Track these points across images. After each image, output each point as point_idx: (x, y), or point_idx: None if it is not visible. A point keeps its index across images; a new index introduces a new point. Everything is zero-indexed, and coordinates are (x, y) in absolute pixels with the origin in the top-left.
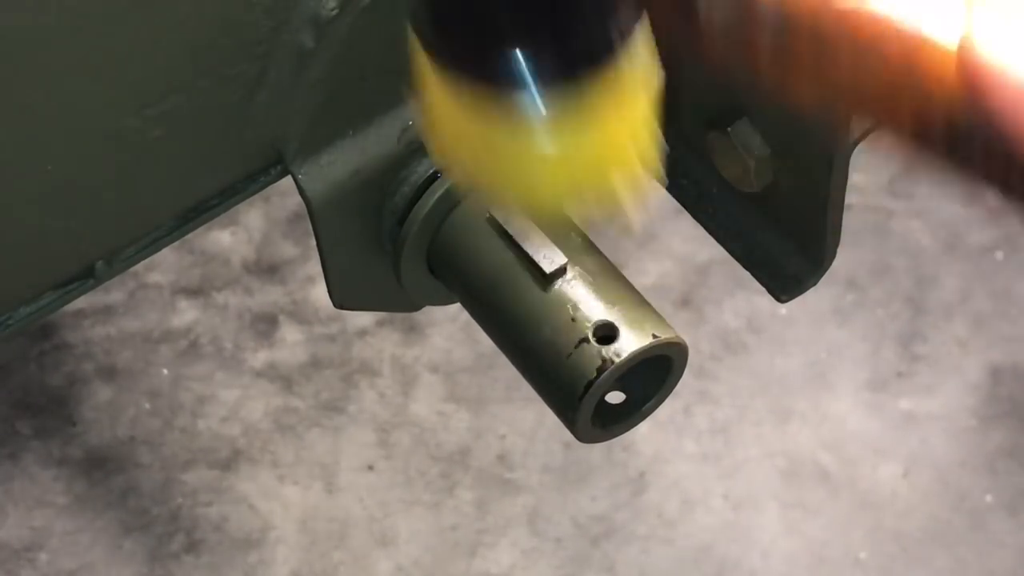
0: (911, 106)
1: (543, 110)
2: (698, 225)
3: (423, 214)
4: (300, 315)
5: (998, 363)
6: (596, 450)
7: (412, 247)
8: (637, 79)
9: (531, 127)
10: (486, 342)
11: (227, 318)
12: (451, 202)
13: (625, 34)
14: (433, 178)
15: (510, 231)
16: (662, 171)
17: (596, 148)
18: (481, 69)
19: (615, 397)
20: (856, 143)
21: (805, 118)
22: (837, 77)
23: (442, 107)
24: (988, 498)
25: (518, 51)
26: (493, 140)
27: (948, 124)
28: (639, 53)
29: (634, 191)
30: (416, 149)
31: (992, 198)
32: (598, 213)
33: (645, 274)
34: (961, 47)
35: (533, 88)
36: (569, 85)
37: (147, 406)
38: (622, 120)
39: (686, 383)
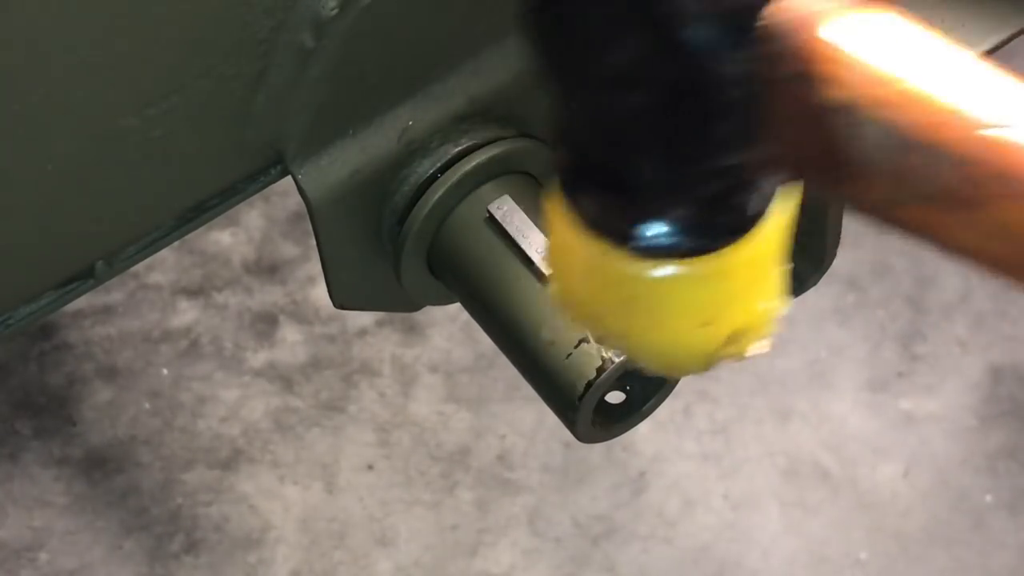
0: None
1: (678, 274)
2: None
3: (423, 214)
4: (300, 315)
5: (998, 363)
6: (596, 450)
7: (412, 247)
8: (771, 236)
9: (671, 292)
10: (486, 342)
11: (227, 318)
12: (452, 202)
13: (767, 203)
14: (433, 178)
15: (510, 231)
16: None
17: (729, 305)
18: (621, 235)
19: (615, 397)
20: None
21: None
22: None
23: (577, 259)
24: (988, 498)
25: (665, 224)
26: (630, 298)
27: None
28: (775, 213)
29: (761, 337)
30: (416, 149)
31: None
32: (728, 360)
33: None
34: None
35: (676, 256)
36: (706, 254)
37: (147, 406)
38: (754, 275)
39: (686, 383)
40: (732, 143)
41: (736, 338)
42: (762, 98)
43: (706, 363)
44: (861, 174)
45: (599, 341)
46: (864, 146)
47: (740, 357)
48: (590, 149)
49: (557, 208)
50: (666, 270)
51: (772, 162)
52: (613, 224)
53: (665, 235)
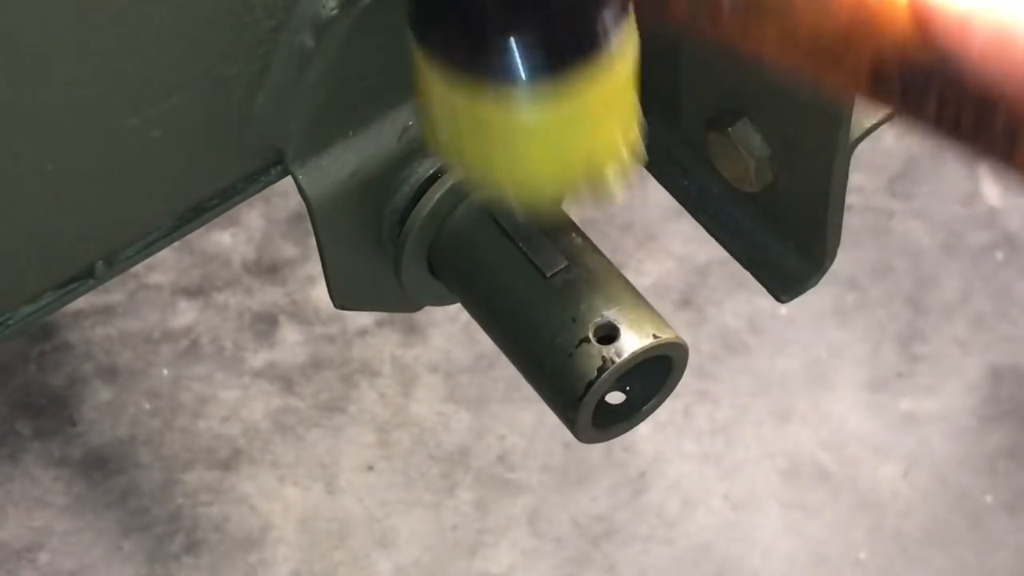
0: (867, 52)
1: (534, 100)
2: (698, 225)
3: (424, 213)
4: (300, 315)
5: (998, 363)
6: (596, 450)
7: (413, 247)
8: (623, 65)
9: (522, 117)
10: (486, 342)
11: (227, 318)
12: (452, 202)
13: (613, 25)
14: (434, 178)
15: (511, 232)
16: (644, 151)
17: (586, 134)
18: (471, 62)
19: (615, 397)
20: (856, 143)
21: (806, 118)
22: (794, 26)
23: (437, 100)
24: (988, 498)
25: (508, 44)
26: (486, 130)
27: (904, 68)
28: (625, 40)
29: (621, 171)
30: (416, 149)
31: (991, 196)
32: (587, 194)
33: (645, 274)
34: None
35: (523, 80)
36: (559, 76)
37: (147, 406)
38: (609, 104)
39: (686, 383)
40: None
41: (595, 169)
42: None
43: (567, 195)
44: None
45: (467, 180)
46: None
47: (602, 189)
48: None
49: (417, 54)
50: (518, 99)
51: None
52: (464, 59)
53: (514, 63)
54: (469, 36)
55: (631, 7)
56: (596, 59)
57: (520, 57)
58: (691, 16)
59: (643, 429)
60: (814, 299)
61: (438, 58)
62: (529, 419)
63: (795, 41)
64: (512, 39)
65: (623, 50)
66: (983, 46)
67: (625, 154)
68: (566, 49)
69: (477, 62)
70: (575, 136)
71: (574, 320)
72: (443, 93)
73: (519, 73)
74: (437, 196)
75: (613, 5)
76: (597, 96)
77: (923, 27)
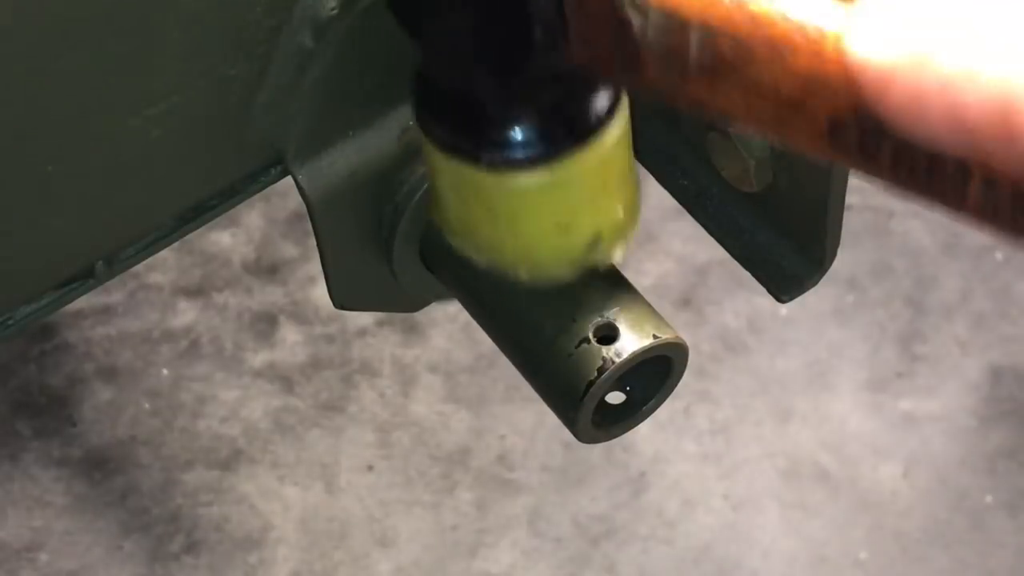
0: (824, 107)
1: (534, 181)
2: (698, 225)
3: (413, 203)
4: (300, 315)
5: (998, 363)
6: (596, 450)
7: (404, 235)
8: (618, 139)
9: (523, 197)
10: (486, 342)
11: (227, 318)
12: None
13: (604, 106)
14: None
15: None
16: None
17: (585, 209)
18: (473, 148)
19: (615, 397)
20: None
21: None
22: (755, 83)
23: (447, 182)
24: (988, 498)
25: (506, 134)
26: (489, 210)
27: (858, 122)
28: (620, 115)
29: (622, 237)
30: (415, 150)
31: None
32: (591, 263)
33: (645, 274)
34: (839, 48)
35: (524, 163)
36: (557, 159)
37: (147, 406)
38: (607, 177)
39: (686, 383)
40: (547, 45)
41: (596, 243)
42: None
43: (572, 268)
44: (642, 58)
45: (476, 256)
46: (645, 31)
47: (607, 261)
48: (434, 75)
49: (424, 138)
50: (517, 181)
51: (589, 62)
52: (465, 145)
53: (510, 148)
54: (469, 126)
55: (623, 89)
56: (591, 140)
57: (519, 145)
58: (662, 80)
59: (643, 429)
60: (814, 299)
61: (443, 145)
62: (529, 419)
63: (757, 96)
64: (510, 131)
65: (617, 125)
66: (903, 104)
67: (625, 221)
68: (562, 137)
69: (479, 153)
70: (574, 209)
71: (574, 320)
72: (451, 176)
73: (519, 159)
74: (427, 186)
75: (599, 89)
76: (594, 172)
77: (852, 84)
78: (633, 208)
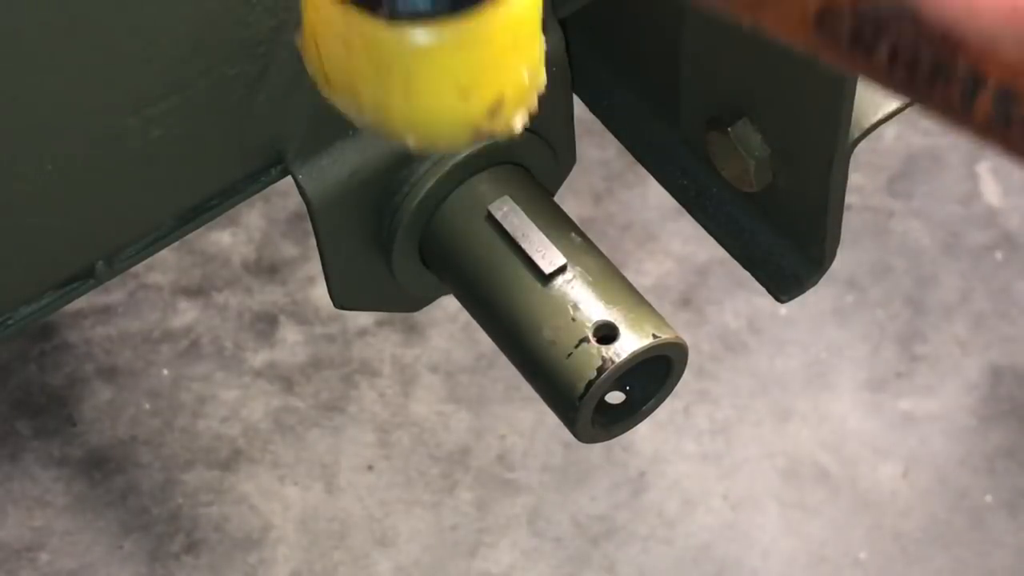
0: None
1: (436, 31)
2: (698, 225)
3: (414, 204)
4: (300, 315)
5: (998, 363)
6: (596, 450)
7: (404, 235)
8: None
9: (423, 49)
10: (486, 342)
11: (227, 318)
12: (441, 192)
13: None
14: (433, 175)
15: (509, 230)
16: (546, 84)
17: (489, 68)
18: (381, 3)
19: (615, 397)
20: (856, 143)
21: (806, 118)
22: None
23: (331, 29)
24: (988, 498)
25: None
26: (383, 64)
27: (857, 8)
28: None
29: (524, 107)
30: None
31: (990, 196)
32: (487, 133)
33: (645, 274)
34: None
35: (426, 10)
36: (463, 7)
37: (147, 406)
38: (514, 38)
39: (686, 383)
40: None
41: (498, 109)
42: None
43: (469, 136)
44: None
45: (358, 117)
46: None
47: (505, 130)
48: None
49: None
50: (419, 33)
51: None
52: None
53: None
54: None
55: None
56: None
57: None
58: None
59: (643, 429)
60: (814, 299)
61: None
62: (529, 419)
63: None
64: None
65: None
66: None
67: (529, 86)
68: None
69: (379, 1)
70: (477, 70)
71: (573, 320)
72: (339, 21)
73: (424, 10)
74: (427, 185)
75: None
76: (505, 30)
77: None
78: (537, 73)
